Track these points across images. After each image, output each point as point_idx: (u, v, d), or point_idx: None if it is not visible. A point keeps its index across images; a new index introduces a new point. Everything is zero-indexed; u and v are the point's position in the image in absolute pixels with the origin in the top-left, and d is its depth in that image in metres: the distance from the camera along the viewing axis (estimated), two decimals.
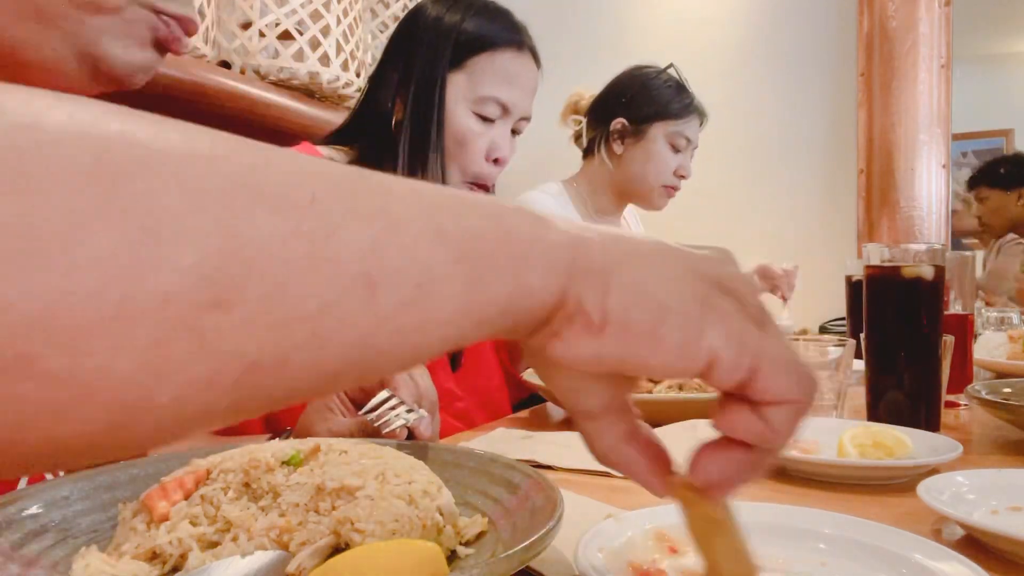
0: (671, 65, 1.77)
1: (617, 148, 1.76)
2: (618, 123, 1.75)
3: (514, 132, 1.14)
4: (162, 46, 0.61)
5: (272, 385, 0.23)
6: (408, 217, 0.25)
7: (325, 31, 1.60)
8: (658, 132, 1.73)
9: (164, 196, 0.20)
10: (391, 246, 0.24)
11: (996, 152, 5.62)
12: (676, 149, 1.74)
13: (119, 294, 0.19)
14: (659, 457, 0.35)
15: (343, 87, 1.77)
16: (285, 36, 1.49)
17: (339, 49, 1.65)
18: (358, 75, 1.84)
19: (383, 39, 2.17)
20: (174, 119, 0.23)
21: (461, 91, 1.08)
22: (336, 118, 1.38)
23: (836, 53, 2.42)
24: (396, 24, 1.17)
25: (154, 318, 0.20)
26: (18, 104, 0.20)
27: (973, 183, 3.14)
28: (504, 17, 1.12)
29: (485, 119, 1.08)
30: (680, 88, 1.76)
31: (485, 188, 1.13)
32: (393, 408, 0.69)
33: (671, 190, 1.77)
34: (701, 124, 1.80)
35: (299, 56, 1.50)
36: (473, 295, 0.26)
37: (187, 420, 0.22)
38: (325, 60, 1.59)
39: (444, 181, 1.09)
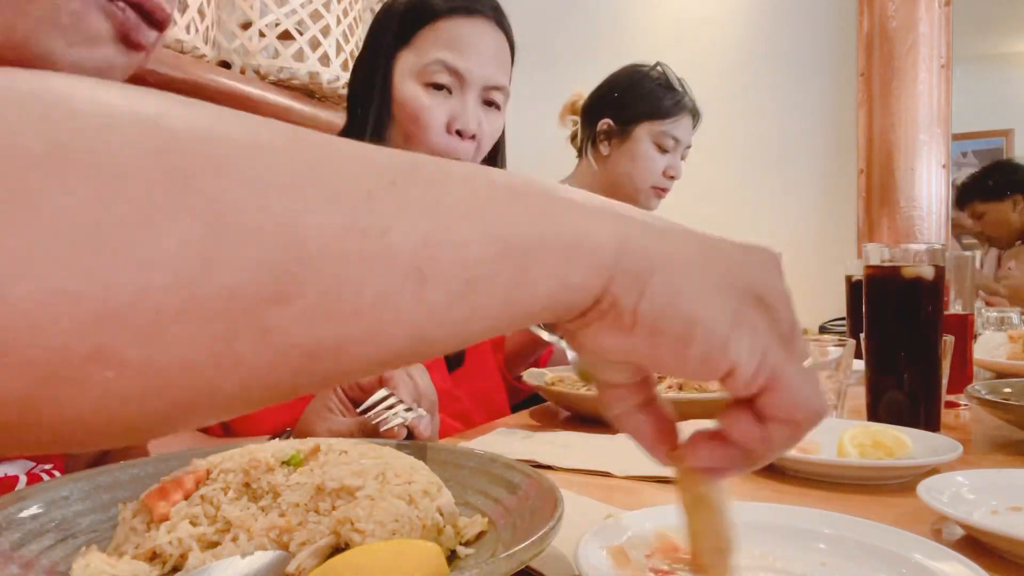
0: (658, 64, 1.72)
1: (603, 149, 1.72)
2: (604, 123, 1.71)
3: (490, 104, 1.10)
4: (123, 41, 0.52)
5: (329, 371, 0.24)
6: (459, 212, 0.25)
7: (325, 31, 1.60)
8: (643, 132, 1.68)
9: (230, 191, 0.21)
10: (442, 242, 0.25)
11: (996, 152, 5.62)
12: (663, 149, 1.68)
13: (189, 289, 0.20)
14: (667, 430, 0.36)
15: (343, 87, 1.77)
16: (285, 36, 1.49)
17: (339, 49, 1.65)
18: None
19: None
20: (231, 109, 0.23)
21: (408, 66, 1.06)
22: (336, 118, 1.38)
23: (836, 53, 2.42)
24: None
25: (221, 312, 0.20)
26: (87, 96, 0.20)
27: (963, 200, 3.06)
28: None
29: (436, 88, 1.04)
30: (668, 87, 1.70)
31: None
32: (391, 407, 0.69)
33: (660, 191, 1.72)
34: (695, 123, 1.75)
35: (299, 56, 1.50)
36: (518, 291, 0.27)
37: (249, 403, 0.23)
38: (325, 60, 1.59)
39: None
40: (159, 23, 0.53)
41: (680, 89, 1.71)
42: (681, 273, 0.30)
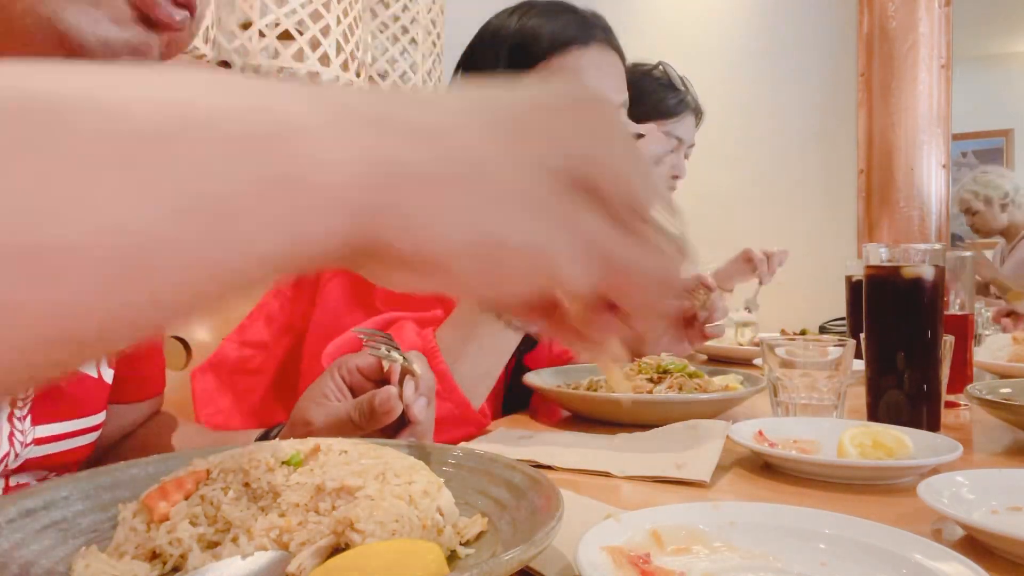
0: (660, 63, 1.72)
1: None
2: None
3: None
4: (152, 24, 0.51)
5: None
6: (155, 177, 0.20)
7: (325, 31, 1.60)
8: (647, 132, 1.69)
9: None
10: (141, 203, 0.20)
11: (996, 152, 5.62)
12: (669, 150, 1.69)
13: None
14: (573, 328, 0.32)
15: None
16: (285, 36, 1.49)
17: (339, 49, 1.65)
18: (358, 75, 1.84)
19: (383, 39, 2.17)
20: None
21: None
22: None
23: (836, 53, 2.42)
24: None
25: None
26: None
27: None
28: (565, 15, 0.99)
29: None
30: (671, 86, 1.70)
31: None
32: (388, 345, 0.66)
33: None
34: (697, 122, 1.75)
35: (299, 56, 1.50)
36: (226, 256, 0.22)
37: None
38: (325, 60, 1.59)
39: None
40: (185, 2, 0.52)
41: (683, 88, 1.71)
42: (462, 190, 0.24)
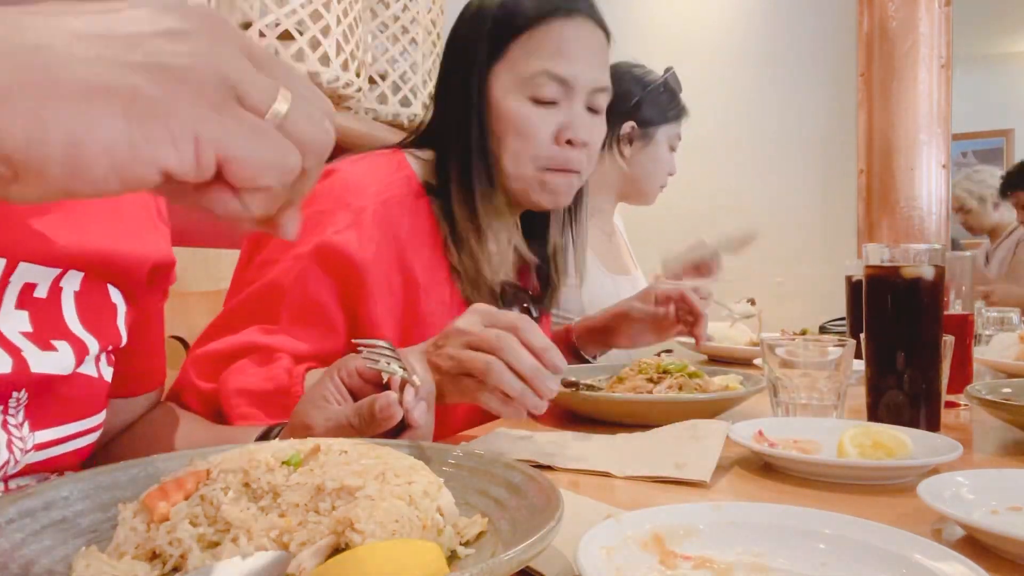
0: (670, 69, 1.80)
1: (626, 151, 1.79)
2: (628, 126, 1.79)
3: (593, 110, 1.04)
4: None
5: None
6: None
7: (325, 31, 1.60)
8: (663, 136, 1.78)
9: None
10: None
11: (996, 152, 5.62)
12: (672, 150, 1.80)
13: None
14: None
15: (343, 87, 1.77)
16: (285, 36, 1.49)
17: (339, 49, 1.65)
18: (358, 75, 1.84)
19: (383, 39, 2.17)
20: None
21: (508, 80, 0.99)
22: (336, 118, 1.37)
23: (836, 53, 2.42)
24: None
25: None
26: None
27: (1010, 188, 3.15)
28: None
29: (543, 102, 0.99)
30: (679, 90, 1.81)
31: (567, 172, 1.02)
32: (388, 357, 0.66)
33: (663, 189, 1.85)
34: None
35: (299, 56, 1.50)
36: None
37: None
38: (325, 60, 1.59)
39: (498, 182, 1.02)
40: None
41: (679, 93, 1.83)
42: (33, 98, 0.25)
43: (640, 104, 1.78)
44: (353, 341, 0.70)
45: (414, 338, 0.87)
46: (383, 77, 2.19)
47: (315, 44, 1.53)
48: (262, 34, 1.45)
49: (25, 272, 0.59)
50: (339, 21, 1.64)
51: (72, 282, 0.63)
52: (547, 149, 1.00)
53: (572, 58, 0.99)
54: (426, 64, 2.29)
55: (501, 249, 1.09)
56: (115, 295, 0.69)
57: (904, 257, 0.87)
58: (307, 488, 0.44)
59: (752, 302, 1.98)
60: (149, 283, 0.74)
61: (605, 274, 1.77)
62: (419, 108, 2.27)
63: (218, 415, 0.85)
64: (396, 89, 2.22)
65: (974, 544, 0.51)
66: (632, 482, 0.68)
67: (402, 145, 1.10)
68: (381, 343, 0.67)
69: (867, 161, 2.34)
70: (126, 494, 0.49)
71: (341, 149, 1.16)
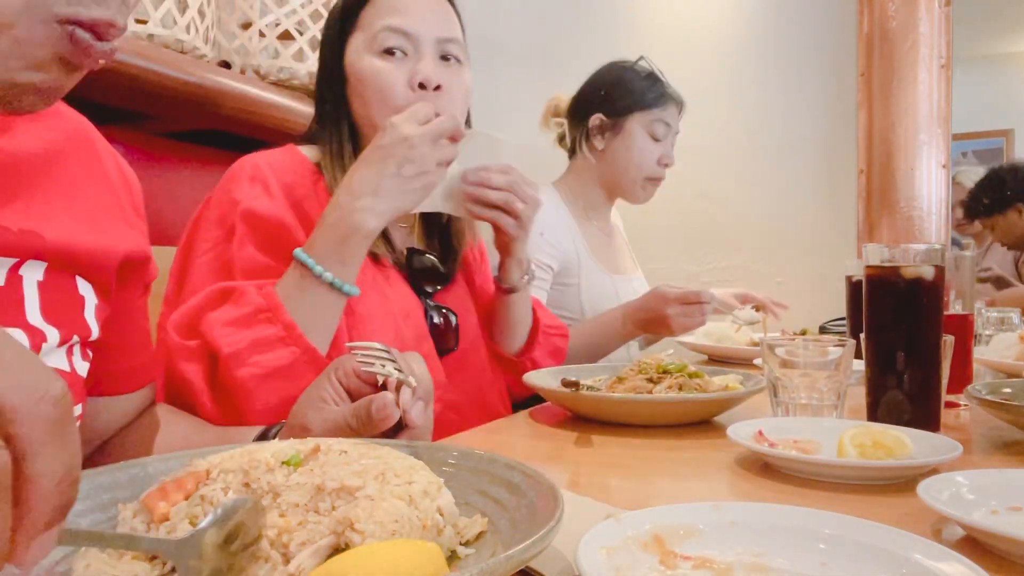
0: (642, 57, 1.77)
1: (598, 143, 1.76)
2: (596, 119, 1.76)
3: (447, 58, 1.11)
4: (68, 64, 0.51)
5: None
6: None
7: None
8: (636, 123, 1.73)
9: None
10: None
11: (996, 152, 5.62)
12: (656, 138, 1.73)
13: None
14: None
15: None
16: (285, 36, 1.48)
17: None
18: None
19: None
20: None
21: (360, 44, 1.09)
22: None
23: (836, 53, 2.42)
24: None
25: None
26: None
27: (970, 216, 3.20)
28: None
29: (389, 52, 1.07)
30: (653, 77, 1.76)
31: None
32: (383, 359, 0.66)
33: (656, 181, 1.77)
34: (680, 112, 1.80)
35: (299, 56, 1.50)
36: None
37: None
38: None
39: (362, 139, 1.10)
40: (107, 37, 0.51)
41: (663, 80, 1.76)
42: None
43: (606, 95, 1.75)
44: (347, 345, 0.71)
45: None
46: None
47: (315, 44, 1.53)
48: (262, 34, 1.45)
49: None
50: None
51: (34, 271, 0.63)
52: (404, 97, 1.06)
53: (410, 12, 1.08)
54: None
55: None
56: (83, 287, 0.68)
57: (904, 257, 0.87)
58: (307, 488, 0.44)
59: (757, 308, 1.99)
60: (121, 277, 0.73)
61: (604, 274, 1.77)
62: None
63: (213, 368, 0.86)
64: None
65: (974, 544, 0.51)
66: (632, 482, 0.68)
67: (295, 142, 1.16)
68: (376, 345, 0.67)
69: (867, 161, 2.34)
70: (126, 494, 0.49)
71: None
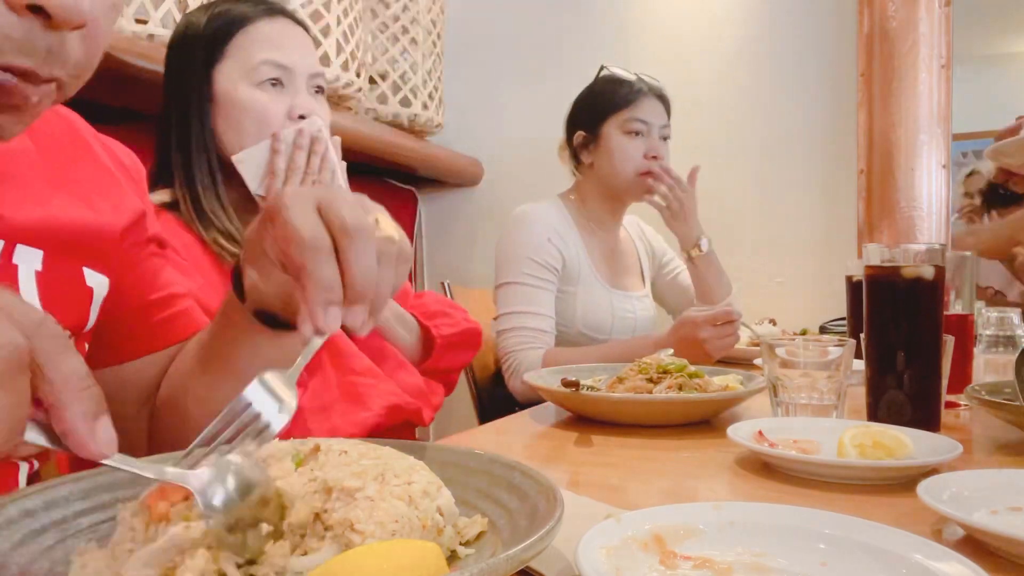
0: (603, 67, 1.83)
1: (586, 159, 1.81)
2: (578, 136, 1.81)
3: (318, 90, 1.16)
4: (7, 109, 0.49)
5: None
6: None
7: (325, 31, 1.60)
8: (610, 128, 1.76)
9: None
10: None
11: None
12: (635, 133, 1.75)
13: None
14: None
15: (343, 87, 1.77)
16: None
17: (339, 49, 1.65)
18: (358, 75, 1.83)
19: (383, 39, 2.17)
20: None
21: (235, 73, 1.10)
22: (336, 118, 1.37)
23: (836, 53, 2.42)
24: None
25: None
26: None
27: (989, 206, 3.16)
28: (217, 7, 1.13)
29: (271, 85, 1.10)
30: (617, 80, 1.79)
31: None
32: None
33: (649, 175, 1.77)
34: (665, 105, 1.81)
35: None
36: None
37: None
38: (325, 60, 1.59)
39: (223, 178, 1.10)
40: (73, 24, 0.49)
41: (633, 79, 1.79)
42: None
43: (581, 112, 1.81)
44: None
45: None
46: (383, 77, 2.19)
47: (315, 44, 1.53)
48: None
49: None
50: (339, 21, 1.64)
51: (31, 260, 0.61)
52: (282, 126, 1.10)
53: (286, 48, 1.12)
54: (426, 64, 2.29)
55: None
56: (92, 278, 0.67)
57: (904, 257, 0.87)
58: (307, 488, 0.44)
59: (773, 322, 2.00)
60: (127, 243, 0.72)
61: (603, 287, 1.78)
62: (419, 108, 2.27)
63: None
64: (396, 89, 2.22)
65: (974, 544, 0.51)
66: (632, 482, 0.68)
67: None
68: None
69: (867, 161, 2.34)
70: (126, 494, 0.49)
71: (344, 150, 1.17)
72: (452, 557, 0.45)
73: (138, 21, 1.26)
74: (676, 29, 2.57)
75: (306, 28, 1.18)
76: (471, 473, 0.54)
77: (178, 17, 1.29)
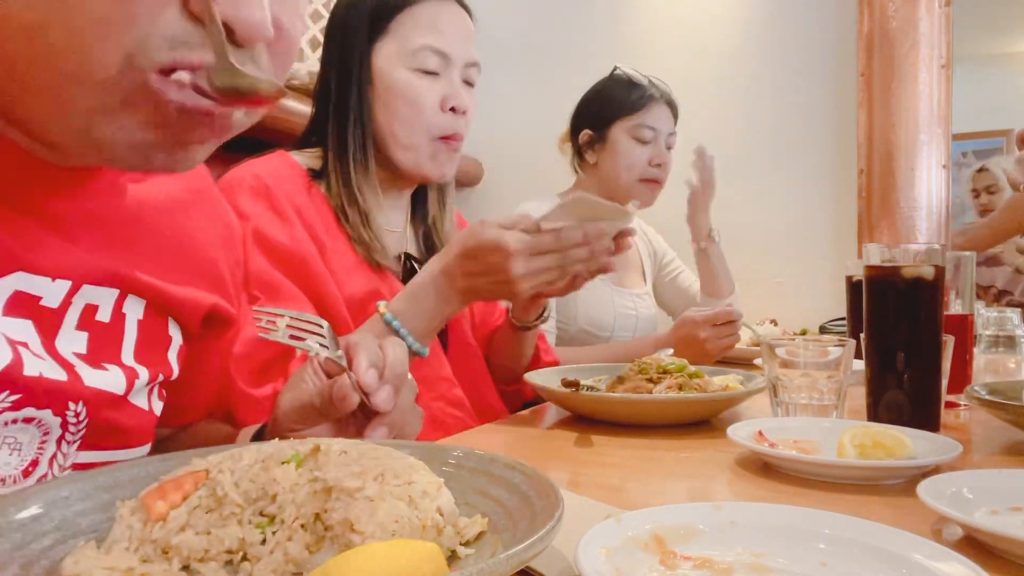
0: (616, 67, 1.81)
1: (590, 158, 1.80)
2: (584, 135, 1.80)
3: (468, 83, 1.15)
4: (188, 116, 0.46)
5: None
6: None
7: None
8: (619, 131, 1.75)
9: None
10: None
11: (996, 152, 5.62)
12: (643, 141, 1.74)
13: None
14: None
15: None
16: None
17: None
18: None
19: None
20: None
21: (393, 54, 1.09)
22: None
23: (836, 53, 2.42)
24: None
25: None
26: None
27: None
28: None
29: (427, 72, 1.10)
30: (631, 83, 1.77)
31: (454, 139, 1.13)
32: (303, 330, 0.64)
33: (652, 183, 1.77)
34: (673, 112, 1.80)
35: (299, 56, 1.50)
36: None
37: None
38: None
39: (375, 159, 1.12)
40: (255, 39, 0.46)
41: (645, 83, 1.77)
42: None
43: (590, 110, 1.80)
44: (253, 309, 0.71)
45: (324, 296, 1.00)
46: None
47: (315, 44, 1.53)
48: None
49: (88, 293, 0.59)
50: None
51: (135, 309, 0.63)
52: (435, 116, 1.10)
53: (448, 34, 1.10)
54: None
55: (394, 223, 1.18)
56: (172, 328, 0.69)
57: (904, 257, 0.87)
58: (307, 489, 0.44)
59: (774, 323, 2.00)
60: (206, 325, 0.73)
61: (605, 286, 1.77)
62: None
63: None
64: None
65: (974, 544, 0.51)
66: (632, 482, 0.68)
67: (297, 146, 1.17)
68: (286, 312, 0.67)
69: (867, 161, 2.34)
70: (126, 494, 0.49)
71: None
72: (452, 557, 0.45)
73: None
74: (676, 29, 2.57)
75: (469, 12, 1.16)
76: (471, 473, 0.54)
77: None
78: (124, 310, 0.62)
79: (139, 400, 0.65)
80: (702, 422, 0.96)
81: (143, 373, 0.64)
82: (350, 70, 1.10)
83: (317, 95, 1.16)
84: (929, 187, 2.32)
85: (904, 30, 2.30)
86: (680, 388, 0.98)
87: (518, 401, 1.32)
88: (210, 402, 0.84)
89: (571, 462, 0.80)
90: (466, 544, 0.47)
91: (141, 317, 0.64)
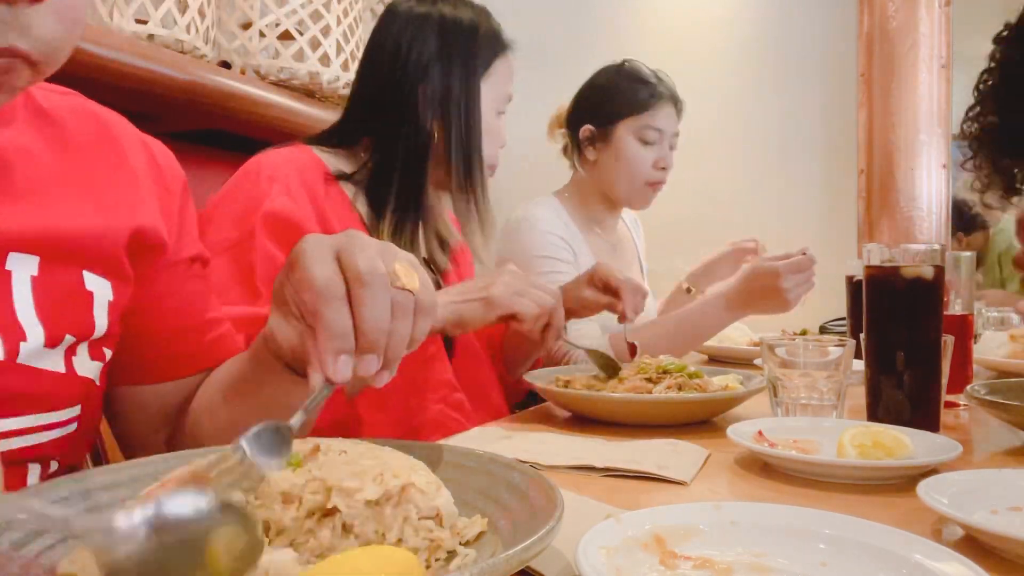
0: (626, 61, 1.72)
1: (590, 155, 1.72)
2: (585, 130, 1.72)
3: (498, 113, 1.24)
4: None
5: None
6: None
7: (325, 31, 1.60)
8: (624, 130, 1.67)
9: None
10: None
11: None
12: (648, 142, 1.67)
13: None
14: None
15: (343, 87, 1.77)
16: (285, 36, 1.48)
17: (339, 49, 1.65)
18: None
19: None
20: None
21: (488, 94, 1.17)
22: (335, 118, 1.37)
23: (836, 53, 2.42)
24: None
25: None
26: None
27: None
28: (490, 15, 1.22)
29: (500, 114, 1.21)
30: (640, 80, 1.69)
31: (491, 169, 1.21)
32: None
33: (655, 185, 1.71)
34: (678, 111, 1.72)
35: (299, 56, 1.50)
36: None
37: None
38: (325, 60, 1.59)
39: (475, 176, 1.16)
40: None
41: (654, 80, 1.69)
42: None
43: (593, 104, 1.72)
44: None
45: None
46: None
47: (315, 44, 1.53)
48: (262, 34, 1.45)
49: None
50: (339, 21, 1.64)
51: (25, 266, 0.60)
52: (494, 156, 1.22)
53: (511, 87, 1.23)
54: None
55: (428, 229, 1.20)
56: (93, 281, 0.65)
57: (904, 257, 0.87)
58: (306, 489, 0.44)
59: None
60: (135, 256, 0.69)
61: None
62: None
63: None
64: None
65: (974, 544, 0.51)
66: (632, 482, 0.68)
67: (304, 142, 1.16)
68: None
69: (867, 161, 2.34)
70: (126, 494, 0.49)
71: None
72: (452, 557, 0.45)
73: (138, 21, 1.26)
74: (677, 29, 2.57)
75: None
76: (471, 473, 0.54)
77: (178, 17, 1.29)
78: (8, 267, 0.59)
79: (47, 363, 0.61)
80: (702, 422, 0.96)
81: (36, 333, 0.59)
82: (472, 106, 1.15)
83: (358, 90, 1.18)
84: (929, 187, 2.32)
85: (904, 30, 2.30)
86: (680, 388, 0.98)
87: (524, 392, 1.33)
88: (206, 350, 0.78)
89: None
90: (466, 544, 0.47)
91: (36, 274, 0.60)
